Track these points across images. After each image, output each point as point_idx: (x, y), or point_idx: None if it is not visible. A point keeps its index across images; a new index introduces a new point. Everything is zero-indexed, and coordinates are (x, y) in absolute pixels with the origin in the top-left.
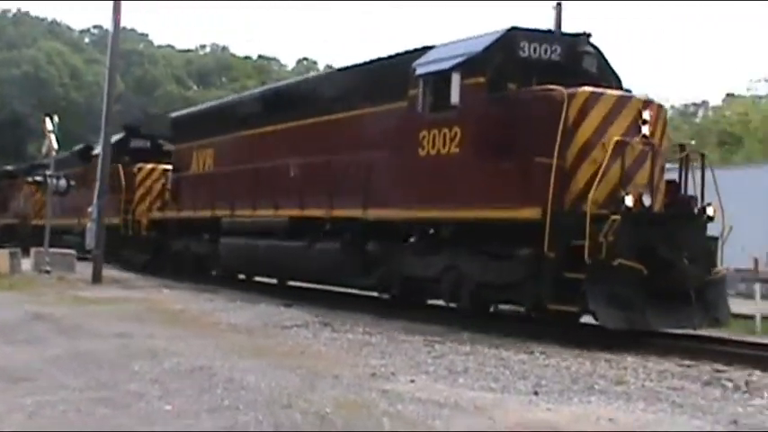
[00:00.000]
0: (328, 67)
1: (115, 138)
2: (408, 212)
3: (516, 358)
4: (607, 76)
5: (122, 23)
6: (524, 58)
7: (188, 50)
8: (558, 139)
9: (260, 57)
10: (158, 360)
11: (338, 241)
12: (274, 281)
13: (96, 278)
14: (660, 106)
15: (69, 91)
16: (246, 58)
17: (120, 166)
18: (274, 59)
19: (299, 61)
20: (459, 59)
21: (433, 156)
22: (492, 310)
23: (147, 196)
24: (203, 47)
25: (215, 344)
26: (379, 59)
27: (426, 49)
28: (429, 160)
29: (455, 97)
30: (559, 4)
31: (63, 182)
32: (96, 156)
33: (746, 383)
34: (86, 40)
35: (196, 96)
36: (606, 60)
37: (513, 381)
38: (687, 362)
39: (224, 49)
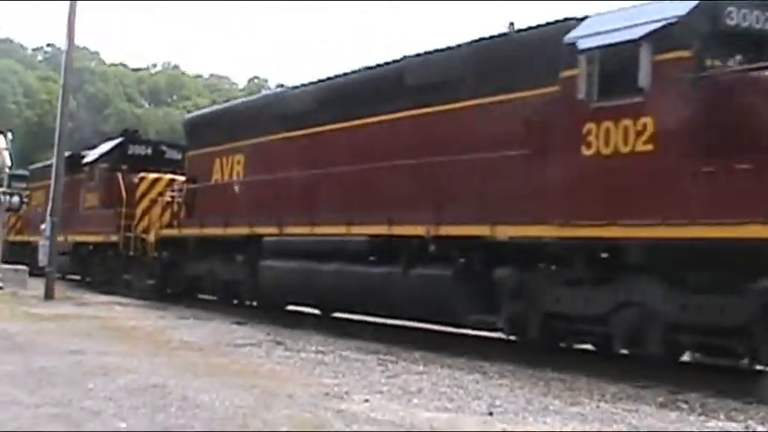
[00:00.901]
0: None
1: (111, 144)
2: (569, 230)
3: (470, 378)
4: None
5: (75, 41)
6: (731, 28)
7: (139, 69)
8: None
9: (211, 75)
10: (112, 377)
11: (448, 267)
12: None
13: (49, 294)
14: None
15: (22, 109)
16: (198, 76)
17: (119, 176)
18: (225, 78)
19: (251, 80)
20: (651, 27)
21: (607, 156)
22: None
23: (151, 210)
24: (154, 65)
25: (168, 362)
26: (503, 35)
27: (576, 20)
28: (600, 162)
29: (644, 78)
30: None
31: (16, 198)
32: (90, 163)
33: (702, 405)
34: (39, 57)
35: (148, 114)
36: None
37: (467, 401)
38: (641, 383)
39: (175, 67)
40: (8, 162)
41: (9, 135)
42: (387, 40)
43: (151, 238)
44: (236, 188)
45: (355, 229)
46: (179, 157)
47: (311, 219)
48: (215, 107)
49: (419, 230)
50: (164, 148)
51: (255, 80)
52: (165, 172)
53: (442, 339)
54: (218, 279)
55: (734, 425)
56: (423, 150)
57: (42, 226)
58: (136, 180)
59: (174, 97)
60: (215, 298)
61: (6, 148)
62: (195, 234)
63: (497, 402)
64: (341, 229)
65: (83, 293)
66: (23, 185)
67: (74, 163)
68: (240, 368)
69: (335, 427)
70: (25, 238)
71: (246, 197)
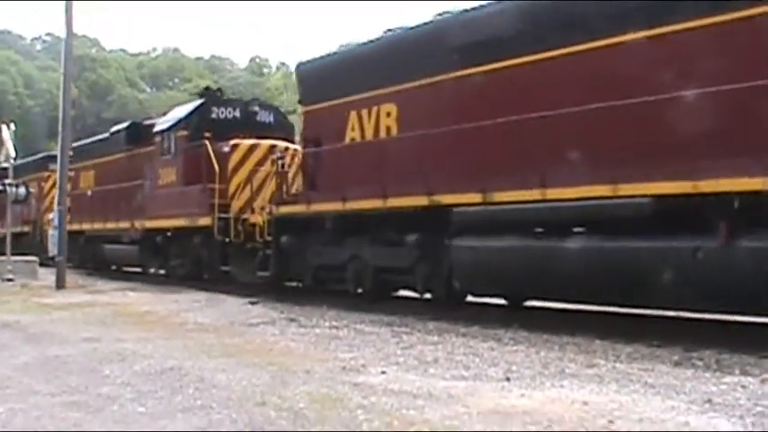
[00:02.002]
0: (282, 64)
1: (189, 107)
2: None
3: (485, 345)
4: None
5: (74, 29)
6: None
7: (139, 54)
8: None
9: (212, 56)
10: (128, 363)
11: None
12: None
13: (60, 284)
14: None
15: (23, 99)
16: (198, 58)
17: (207, 145)
18: (227, 59)
19: (252, 59)
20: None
21: None
22: None
23: (248, 185)
24: (154, 49)
25: (183, 344)
26: None
27: None
28: None
29: None
30: None
31: (22, 190)
32: (163, 132)
33: (717, 362)
34: (38, 47)
35: (151, 99)
36: None
37: (483, 368)
38: (656, 342)
39: (175, 50)
40: (12, 153)
41: (12, 126)
42: (398, 10)
43: (259, 218)
44: (399, 145)
45: (625, 189)
46: (271, 119)
47: (541, 179)
48: (343, 49)
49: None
50: (255, 108)
51: (257, 60)
52: (257, 137)
53: (454, 309)
54: (367, 267)
55: (750, 379)
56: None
57: (50, 216)
58: (226, 149)
59: (176, 80)
60: (359, 291)
61: (10, 138)
62: (334, 210)
63: (513, 368)
64: (595, 190)
65: (94, 282)
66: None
67: (136, 134)
68: (255, 347)
69: (353, 400)
70: (75, 226)
71: (415, 157)
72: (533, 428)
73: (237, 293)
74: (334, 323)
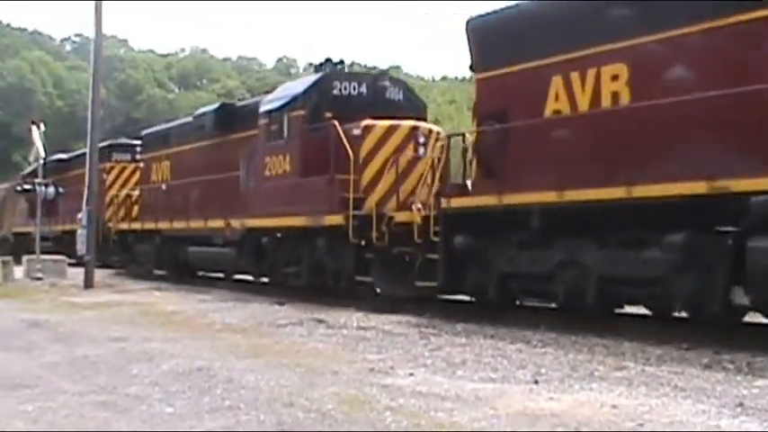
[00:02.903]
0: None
1: (306, 82)
2: None
3: (513, 347)
4: None
5: (103, 30)
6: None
7: (168, 54)
8: None
9: (239, 57)
10: (156, 363)
11: None
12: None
13: (88, 284)
14: None
15: (53, 99)
16: (226, 59)
17: (335, 127)
18: (254, 59)
19: (279, 60)
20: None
21: None
22: None
23: (386, 174)
24: (183, 50)
25: (211, 345)
26: None
27: None
28: None
29: None
30: None
31: (51, 189)
32: (272, 112)
33: (748, 365)
34: (68, 48)
35: (179, 99)
36: None
37: (512, 370)
38: (685, 345)
39: (203, 50)
40: (42, 153)
41: (41, 126)
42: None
43: (415, 216)
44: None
45: None
46: (401, 96)
47: None
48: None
49: None
50: (385, 83)
51: (284, 60)
52: (386, 117)
53: (481, 311)
54: (590, 276)
55: None
56: None
57: (79, 215)
58: (357, 131)
59: (204, 81)
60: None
61: (39, 139)
62: (543, 201)
63: (542, 370)
64: None
65: (122, 281)
66: (127, 158)
67: (227, 118)
68: (283, 348)
69: (381, 402)
70: (149, 225)
71: (673, 131)
72: (562, 431)
73: (264, 294)
74: (362, 324)
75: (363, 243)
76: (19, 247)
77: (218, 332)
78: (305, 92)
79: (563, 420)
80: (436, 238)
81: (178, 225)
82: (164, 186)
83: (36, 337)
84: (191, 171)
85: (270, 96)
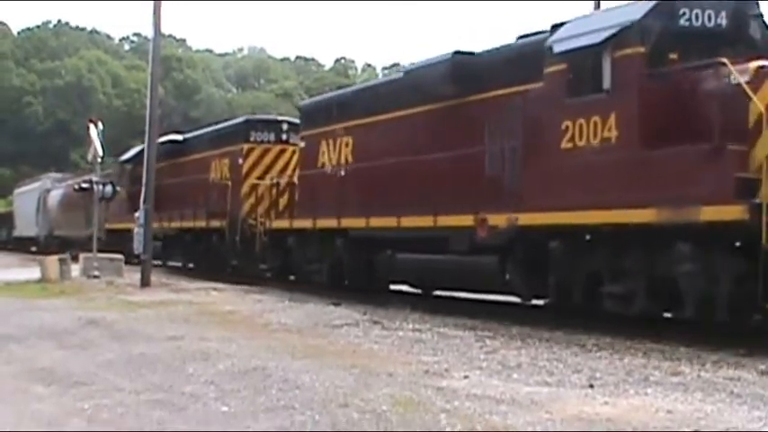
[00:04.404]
0: (367, 65)
1: (637, 8)
2: None
3: (568, 351)
4: None
5: (161, 30)
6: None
7: (225, 54)
8: None
9: (297, 57)
10: (212, 362)
11: None
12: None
13: (145, 282)
14: None
15: (111, 98)
16: (284, 59)
17: (715, 73)
18: (312, 60)
19: (337, 60)
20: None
21: None
22: None
23: None
24: (240, 49)
25: (267, 344)
26: None
27: None
28: None
29: None
30: None
31: (109, 188)
32: (565, 53)
33: None
34: (126, 47)
35: (237, 99)
36: None
37: (567, 374)
38: (742, 351)
39: (261, 50)
40: (100, 152)
41: (99, 125)
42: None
43: None
44: None
45: None
46: (760, 35)
47: None
48: None
49: None
50: (755, 11)
51: (342, 61)
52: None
53: (537, 314)
54: None
55: None
56: None
57: (136, 214)
58: (744, 77)
59: (262, 81)
60: None
61: (97, 138)
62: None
63: (597, 375)
64: None
65: (178, 280)
66: (270, 138)
67: (467, 70)
68: (338, 349)
69: (436, 404)
70: (327, 223)
71: None
72: None
73: (319, 294)
74: (417, 326)
75: None
76: (113, 246)
77: (274, 332)
78: (643, 19)
79: (618, 425)
80: None
81: (379, 223)
82: (341, 172)
83: (93, 334)
84: (395, 148)
85: (561, 32)
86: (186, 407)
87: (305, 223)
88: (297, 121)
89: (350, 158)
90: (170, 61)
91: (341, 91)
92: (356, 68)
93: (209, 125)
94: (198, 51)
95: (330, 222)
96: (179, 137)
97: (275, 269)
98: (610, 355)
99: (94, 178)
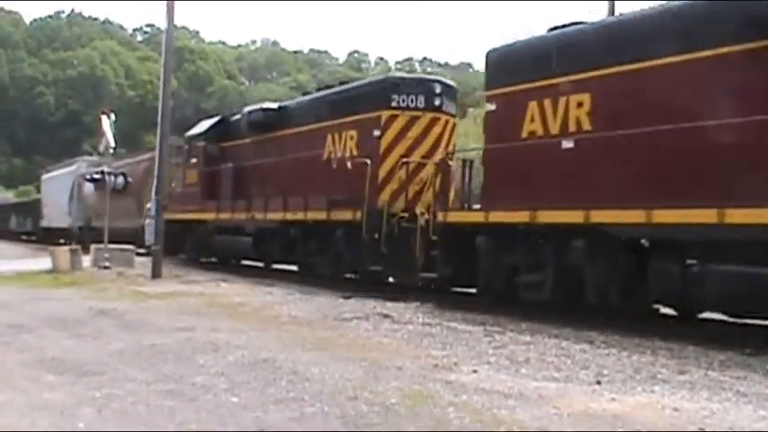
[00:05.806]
0: (380, 59)
1: None
2: None
3: (577, 347)
4: None
5: (174, 21)
6: None
7: (238, 46)
8: None
9: (310, 50)
10: (222, 353)
11: None
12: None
13: (156, 273)
14: None
15: (124, 89)
16: (297, 52)
17: None
18: (325, 53)
19: (351, 54)
20: None
21: None
22: None
23: None
24: (253, 42)
25: (277, 336)
26: None
27: None
28: None
29: None
30: None
31: (120, 179)
32: None
33: None
34: (139, 38)
35: (250, 91)
36: None
37: (575, 370)
38: (748, 350)
39: (274, 43)
40: (112, 143)
41: (112, 116)
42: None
43: None
44: None
45: None
46: None
47: None
48: None
49: None
50: None
51: (355, 54)
52: None
53: (546, 310)
54: None
55: None
56: None
57: (148, 206)
58: None
59: (274, 73)
60: None
61: (109, 129)
62: None
63: (605, 371)
64: None
65: (189, 271)
66: (419, 104)
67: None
68: (348, 341)
69: (445, 397)
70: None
71: None
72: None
73: (330, 288)
74: (427, 320)
75: None
76: (175, 241)
77: (284, 324)
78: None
79: (624, 422)
80: None
81: (675, 217)
82: (570, 143)
83: (103, 324)
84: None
85: None
86: (197, 397)
87: (516, 216)
88: (452, 83)
89: (587, 125)
90: (183, 53)
91: (567, 29)
92: (369, 62)
93: (320, 89)
94: (211, 43)
95: (563, 216)
96: (273, 104)
97: (445, 279)
98: (618, 352)
99: (106, 169)
